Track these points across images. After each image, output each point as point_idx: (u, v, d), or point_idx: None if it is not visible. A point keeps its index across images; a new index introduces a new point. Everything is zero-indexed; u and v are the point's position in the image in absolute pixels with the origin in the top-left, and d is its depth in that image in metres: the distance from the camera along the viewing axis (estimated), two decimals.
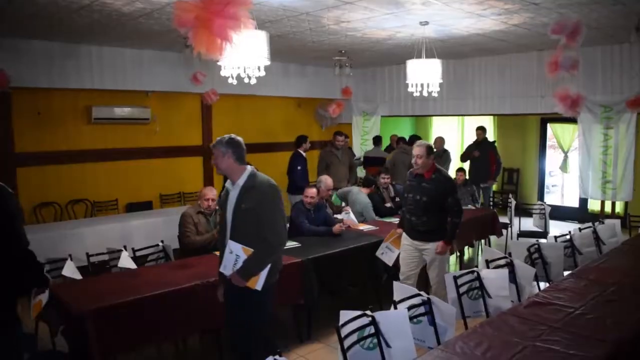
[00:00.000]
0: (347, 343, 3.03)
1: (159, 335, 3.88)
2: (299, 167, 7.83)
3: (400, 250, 4.99)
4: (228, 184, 3.57)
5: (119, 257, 4.47)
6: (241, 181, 3.47)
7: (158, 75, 7.79)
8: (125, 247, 4.82)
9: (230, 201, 3.49)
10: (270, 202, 3.44)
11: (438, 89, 5.96)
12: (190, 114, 8.90)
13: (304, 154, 8.01)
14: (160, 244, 5.02)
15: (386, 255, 5.20)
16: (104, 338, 3.42)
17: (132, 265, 4.45)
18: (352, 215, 6.27)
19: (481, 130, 9.17)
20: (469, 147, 9.30)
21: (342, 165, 8.18)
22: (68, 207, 7.57)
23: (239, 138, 3.51)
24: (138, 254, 5.03)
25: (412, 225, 4.81)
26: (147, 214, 7.54)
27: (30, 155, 7.18)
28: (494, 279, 4.08)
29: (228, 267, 3.42)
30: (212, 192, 5.23)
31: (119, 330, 3.48)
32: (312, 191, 5.71)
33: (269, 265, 3.42)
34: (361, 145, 10.47)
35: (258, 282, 3.40)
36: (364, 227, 6.02)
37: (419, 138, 9.27)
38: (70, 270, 4.23)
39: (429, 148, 4.72)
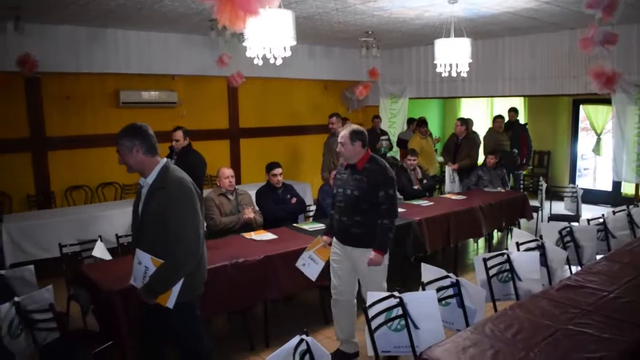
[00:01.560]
0: (374, 324, 3.01)
1: None
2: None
3: (330, 258, 4.14)
4: (142, 179, 3.02)
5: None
6: (150, 179, 2.94)
7: (184, 58, 7.80)
8: None
9: (141, 201, 2.98)
10: (177, 206, 2.84)
11: (467, 69, 5.83)
12: (216, 97, 8.91)
13: None
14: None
15: (308, 267, 4.25)
16: (133, 317, 3.45)
17: (108, 256, 4.46)
18: None
19: (513, 112, 8.98)
20: (489, 129, 9.14)
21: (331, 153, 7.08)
22: (98, 190, 7.69)
23: (145, 125, 2.97)
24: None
25: (343, 227, 3.95)
26: None
27: (60, 139, 7.29)
28: (525, 261, 4.01)
29: (138, 279, 2.96)
30: (229, 170, 5.30)
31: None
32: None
33: (182, 280, 2.88)
34: (389, 128, 10.36)
35: (169, 300, 2.87)
36: None
37: (425, 122, 9.18)
38: (100, 251, 4.29)
39: (353, 133, 3.87)
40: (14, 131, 6.91)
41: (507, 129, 8.94)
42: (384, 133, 9.65)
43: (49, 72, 6.80)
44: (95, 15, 6.15)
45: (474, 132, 9.29)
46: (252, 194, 5.59)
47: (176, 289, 2.87)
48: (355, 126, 4.02)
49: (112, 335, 3.46)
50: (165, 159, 3.00)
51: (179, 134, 6.02)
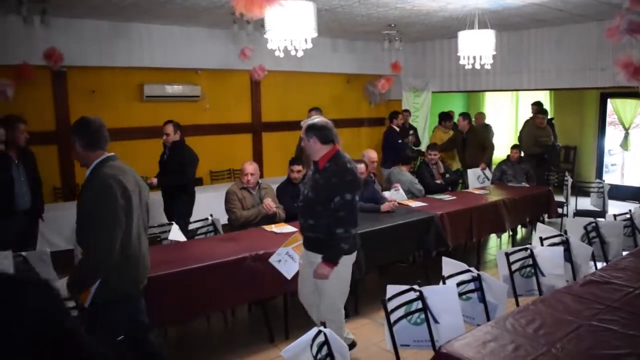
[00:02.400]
0: (393, 317, 2.99)
1: (208, 305, 3.96)
2: (399, 141, 8.29)
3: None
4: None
5: (169, 231, 4.56)
6: (87, 173, 2.86)
7: (207, 52, 7.83)
8: (175, 221, 4.92)
9: None
10: (95, 205, 2.71)
11: (491, 61, 5.75)
12: (239, 91, 8.94)
13: (397, 128, 8.65)
14: (210, 217, 5.08)
15: (284, 264, 3.93)
16: (154, 308, 3.48)
17: (182, 237, 4.53)
18: (401, 192, 6.19)
19: (537, 105, 8.83)
20: (526, 123, 8.99)
21: None
22: None
23: (87, 120, 2.89)
24: (188, 227, 5.14)
25: (301, 229, 3.71)
26: (197, 189, 7.65)
27: None
28: (549, 256, 3.95)
29: None
30: (251, 167, 5.25)
31: (169, 301, 3.55)
32: (360, 167, 5.66)
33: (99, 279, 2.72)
34: (412, 122, 10.29)
35: (87, 298, 2.74)
36: (413, 203, 5.93)
37: (449, 115, 9.07)
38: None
39: (309, 128, 3.52)
40: (41, 124, 7.02)
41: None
42: (412, 127, 9.59)
43: (75, 66, 6.90)
44: (119, 9, 6.22)
45: (486, 125, 9.19)
46: (275, 187, 5.59)
47: (94, 287, 2.72)
48: (315, 119, 3.62)
49: None
50: (107, 154, 2.87)
51: (168, 128, 5.76)
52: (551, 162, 7.97)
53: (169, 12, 6.42)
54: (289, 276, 3.90)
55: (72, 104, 7.31)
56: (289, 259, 3.91)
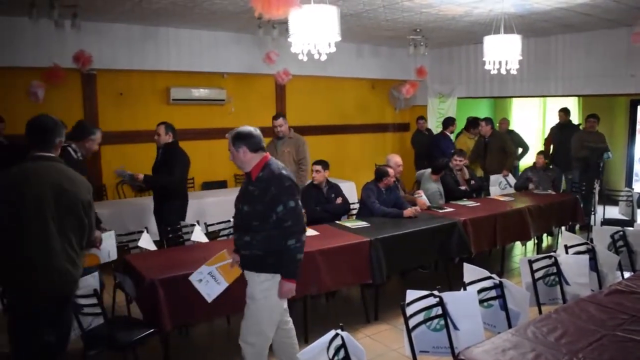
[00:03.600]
0: (412, 323, 2.97)
1: (227, 306, 3.96)
2: (452, 151, 7.99)
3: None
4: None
5: (192, 232, 4.61)
6: None
7: (233, 57, 7.91)
8: (198, 222, 4.97)
9: None
10: None
11: (517, 67, 5.67)
12: (264, 96, 9.00)
13: (450, 135, 8.67)
14: (232, 219, 5.10)
15: (205, 284, 3.51)
16: (174, 307, 3.53)
17: (204, 239, 4.57)
18: (424, 197, 6.14)
19: (564, 112, 8.68)
20: (552, 130, 8.85)
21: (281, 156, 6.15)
22: None
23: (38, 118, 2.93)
24: (210, 229, 5.18)
25: (237, 247, 3.44)
26: (221, 192, 7.74)
27: (113, 134, 7.50)
28: (573, 265, 3.88)
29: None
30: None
31: (189, 300, 3.57)
32: (390, 171, 5.67)
33: None
34: (436, 128, 10.21)
35: None
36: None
37: (477, 122, 8.97)
38: (145, 242, 4.40)
39: (236, 137, 3.27)
40: (71, 125, 7.14)
41: (559, 131, 8.64)
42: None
43: (104, 69, 7.04)
44: (149, 14, 6.32)
45: (510, 131, 9.08)
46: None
47: None
48: (240, 128, 3.33)
49: (154, 323, 3.53)
50: (44, 154, 2.85)
51: (160, 129, 5.47)
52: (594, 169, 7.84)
53: (197, 16, 6.50)
54: (209, 299, 3.50)
55: (101, 106, 7.45)
56: (211, 280, 3.52)
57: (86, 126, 4.72)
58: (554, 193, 7.13)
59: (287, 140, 6.30)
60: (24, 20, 5.99)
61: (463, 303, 3.08)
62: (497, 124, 9.26)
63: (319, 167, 5.55)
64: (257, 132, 3.34)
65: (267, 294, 3.24)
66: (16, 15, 6.06)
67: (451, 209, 5.85)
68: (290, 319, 3.58)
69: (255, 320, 3.27)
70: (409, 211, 5.41)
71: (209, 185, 8.35)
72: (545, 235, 7.31)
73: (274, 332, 3.38)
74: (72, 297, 2.95)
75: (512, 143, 8.23)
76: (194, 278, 3.52)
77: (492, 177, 7.64)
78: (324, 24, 3.88)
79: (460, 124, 9.82)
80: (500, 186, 7.54)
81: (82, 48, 6.41)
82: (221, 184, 8.48)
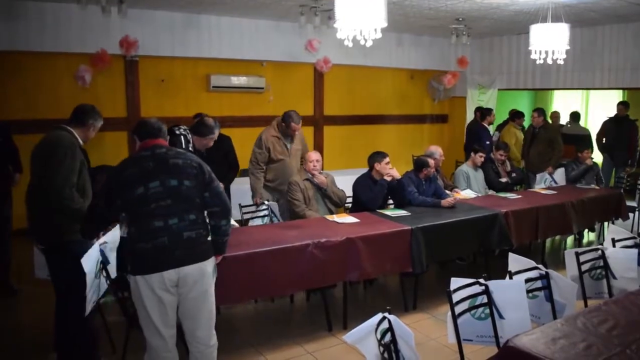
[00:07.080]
0: (457, 311, 2.94)
1: (267, 290, 4.01)
2: (487, 142, 8.02)
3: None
4: None
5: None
6: None
7: (273, 44, 7.94)
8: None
9: None
10: None
11: (564, 56, 5.55)
12: (302, 84, 9.01)
13: (488, 126, 8.60)
14: (266, 203, 5.19)
15: None
16: (222, 285, 3.54)
17: (235, 224, 4.57)
18: (464, 193, 6.08)
19: (623, 105, 8.36)
20: (605, 124, 8.58)
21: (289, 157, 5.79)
22: None
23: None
24: (245, 216, 5.32)
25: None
26: None
27: None
28: (621, 258, 3.79)
29: None
30: (315, 155, 5.30)
31: (229, 282, 3.60)
32: (430, 162, 5.61)
33: None
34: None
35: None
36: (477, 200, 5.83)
37: (522, 113, 8.78)
38: None
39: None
40: (113, 110, 7.29)
41: (615, 124, 8.36)
42: None
43: (146, 56, 7.15)
44: (190, 1, 6.39)
45: (561, 125, 8.85)
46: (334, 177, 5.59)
47: None
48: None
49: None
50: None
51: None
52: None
53: (239, 4, 6.54)
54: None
55: (143, 92, 7.58)
56: None
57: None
58: (597, 187, 6.96)
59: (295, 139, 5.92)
60: (72, 6, 6.13)
61: (509, 292, 3.04)
62: (549, 117, 9.04)
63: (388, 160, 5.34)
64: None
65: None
66: (65, 1, 6.19)
67: (493, 201, 5.77)
68: None
69: (212, 316, 3.07)
70: (446, 201, 5.36)
71: (245, 173, 8.40)
72: (586, 230, 7.14)
73: None
74: None
75: (562, 139, 7.92)
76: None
77: (539, 176, 7.43)
78: (371, 9, 3.86)
79: (499, 116, 9.67)
80: (545, 183, 7.34)
81: (126, 34, 6.54)
82: None
